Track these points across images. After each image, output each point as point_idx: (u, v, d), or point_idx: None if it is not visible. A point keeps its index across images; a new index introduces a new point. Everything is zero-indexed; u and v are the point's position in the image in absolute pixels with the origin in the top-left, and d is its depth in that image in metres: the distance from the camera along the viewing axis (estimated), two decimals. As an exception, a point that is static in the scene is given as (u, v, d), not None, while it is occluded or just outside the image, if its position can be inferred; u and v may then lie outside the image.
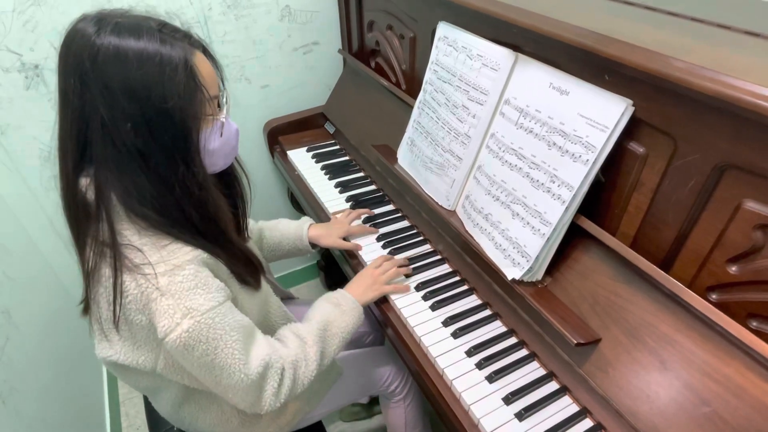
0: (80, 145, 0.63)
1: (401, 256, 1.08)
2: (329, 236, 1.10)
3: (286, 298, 1.15)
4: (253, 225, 1.09)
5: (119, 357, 0.70)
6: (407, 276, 1.02)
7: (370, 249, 1.12)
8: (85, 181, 0.64)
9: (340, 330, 0.87)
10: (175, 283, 0.63)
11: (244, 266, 0.76)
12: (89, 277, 0.66)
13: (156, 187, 0.63)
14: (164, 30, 0.62)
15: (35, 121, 1.25)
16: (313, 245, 1.11)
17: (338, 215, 1.18)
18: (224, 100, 0.71)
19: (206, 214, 0.68)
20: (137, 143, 0.61)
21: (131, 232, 0.65)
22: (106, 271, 0.64)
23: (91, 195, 0.64)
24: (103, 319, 0.67)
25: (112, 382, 1.64)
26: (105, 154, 0.62)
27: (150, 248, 0.65)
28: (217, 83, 0.68)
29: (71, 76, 0.60)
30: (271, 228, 1.11)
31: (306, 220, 1.13)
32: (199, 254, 0.67)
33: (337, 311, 0.89)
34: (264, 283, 0.85)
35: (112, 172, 0.62)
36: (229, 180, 0.82)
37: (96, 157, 0.62)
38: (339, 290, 0.96)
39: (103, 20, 0.60)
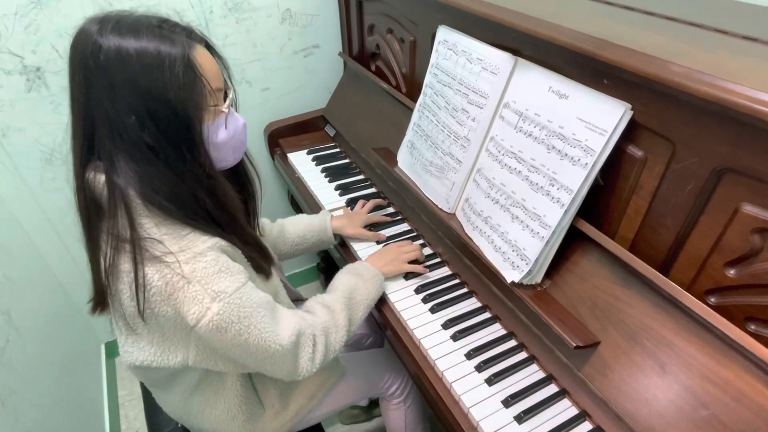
0: (87, 141, 0.64)
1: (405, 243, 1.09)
2: (351, 226, 1.13)
3: (296, 300, 1.15)
4: (272, 224, 1.11)
5: (147, 356, 0.70)
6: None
7: (371, 251, 1.12)
8: (92, 176, 0.65)
9: (364, 297, 0.92)
10: (199, 269, 0.65)
11: (256, 253, 0.78)
12: (107, 274, 0.66)
13: (168, 177, 0.65)
14: (164, 26, 0.64)
15: (36, 123, 1.26)
16: (335, 236, 1.14)
17: (352, 208, 1.21)
18: (231, 96, 0.72)
19: (218, 201, 0.70)
20: (143, 136, 0.62)
21: (150, 225, 0.66)
22: (126, 266, 0.64)
23: (101, 190, 0.65)
24: (128, 315, 0.67)
25: (111, 384, 1.64)
26: (114, 148, 0.63)
27: (170, 239, 0.65)
28: (222, 77, 0.70)
29: (76, 75, 0.62)
30: (294, 223, 1.13)
31: (326, 213, 1.16)
32: (218, 241, 0.68)
33: (359, 280, 0.93)
34: (275, 277, 0.86)
35: (124, 166, 0.63)
36: (242, 180, 0.83)
37: (105, 152, 0.63)
38: (359, 261, 1.00)
39: (105, 20, 0.62)
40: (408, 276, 1.04)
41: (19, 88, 1.20)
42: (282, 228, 1.10)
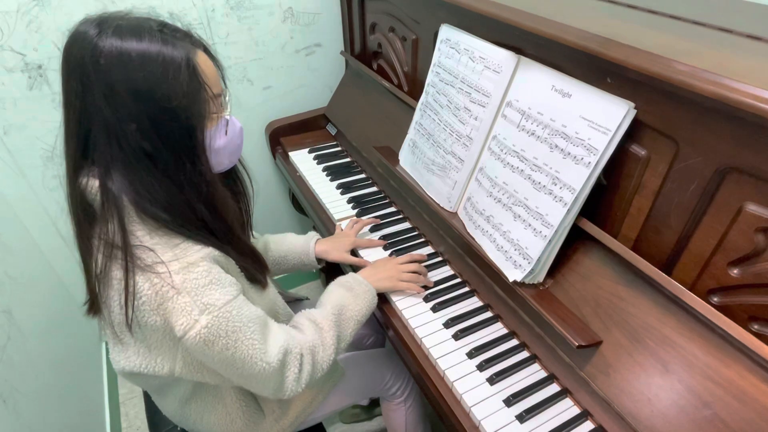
0: (81, 146, 0.63)
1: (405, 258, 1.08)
2: (336, 250, 1.08)
3: (295, 301, 1.15)
4: (259, 236, 1.08)
5: (134, 365, 0.70)
6: (426, 287, 1.01)
7: (373, 250, 1.12)
8: (86, 181, 0.64)
9: (354, 314, 0.89)
10: (189, 280, 0.64)
11: (251, 263, 0.77)
12: (98, 280, 0.65)
13: (164, 186, 0.64)
14: (165, 30, 0.63)
15: (38, 121, 1.26)
16: (320, 260, 1.10)
17: (343, 225, 1.17)
18: (227, 98, 0.71)
19: (215, 210, 0.69)
20: (143, 144, 0.61)
21: (143, 233, 0.65)
22: (117, 273, 0.63)
23: (93, 196, 0.64)
24: (116, 324, 0.67)
25: (112, 382, 1.64)
26: (111, 155, 0.62)
27: (162, 248, 0.65)
28: (220, 82, 0.69)
29: (73, 79, 0.60)
30: (278, 242, 1.09)
31: (313, 236, 1.12)
32: (210, 251, 0.67)
33: (350, 295, 0.91)
34: (271, 285, 0.85)
35: (120, 173, 0.62)
36: (233, 179, 0.83)
37: (101, 158, 0.62)
38: (351, 274, 0.97)
39: (104, 22, 0.60)
40: (427, 285, 1.01)
41: (21, 86, 1.20)
42: (266, 244, 1.08)
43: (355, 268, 1.08)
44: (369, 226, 1.17)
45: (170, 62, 0.60)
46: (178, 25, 0.66)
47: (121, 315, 0.65)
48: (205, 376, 0.74)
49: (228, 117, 0.70)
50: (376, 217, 1.21)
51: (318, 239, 1.11)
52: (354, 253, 1.11)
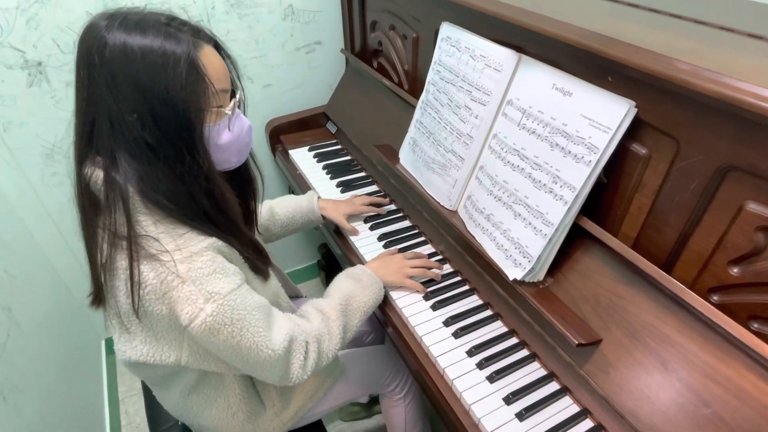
0: (87, 136, 0.64)
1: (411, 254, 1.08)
2: (334, 210, 1.16)
3: (295, 297, 1.15)
4: (259, 205, 1.11)
5: (141, 355, 0.70)
6: (433, 281, 1.02)
7: (373, 248, 1.12)
8: (91, 172, 0.65)
9: (361, 305, 0.91)
10: (194, 269, 0.64)
11: (254, 254, 0.78)
12: (103, 270, 0.66)
13: (167, 176, 0.64)
14: (172, 24, 0.63)
15: (38, 118, 1.26)
16: (323, 217, 1.17)
17: (356, 198, 1.22)
18: (237, 96, 0.72)
19: (216, 203, 0.70)
20: (144, 134, 0.62)
21: (148, 223, 0.65)
22: (122, 263, 0.64)
23: (99, 186, 0.64)
24: (122, 313, 0.67)
25: (111, 379, 1.64)
26: (116, 145, 0.62)
27: (166, 237, 0.65)
28: (229, 78, 0.69)
29: (81, 69, 0.62)
30: (282, 205, 1.14)
31: (313, 193, 1.19)
32: (214, 241, 0.68)
33: (357, 286, 0.92)
34: (273, 278, 0.86)
35: (125, 163, 0.63)
36: (243, 179, 0.83)
37: (105, 148, 0.63)
38: (359, 266, 0.99)
39: (114, 16, 0.62)
40: (435, 279, 1.02)
41: (21, 83, 1.20)
42: (271, 209, 1.12)
43: (349, 261, 1.09)
44: (368, 225, 1.18)
45: (170, 55, 0.61)
46: (188, 19, 0.67)
47: (127, 304, 0.65)
48: (211, 365, 0.74)
49: (229, 112, 0.69)
50: (375, 216, 1.21)
51: (319, 197, 1.18)
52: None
